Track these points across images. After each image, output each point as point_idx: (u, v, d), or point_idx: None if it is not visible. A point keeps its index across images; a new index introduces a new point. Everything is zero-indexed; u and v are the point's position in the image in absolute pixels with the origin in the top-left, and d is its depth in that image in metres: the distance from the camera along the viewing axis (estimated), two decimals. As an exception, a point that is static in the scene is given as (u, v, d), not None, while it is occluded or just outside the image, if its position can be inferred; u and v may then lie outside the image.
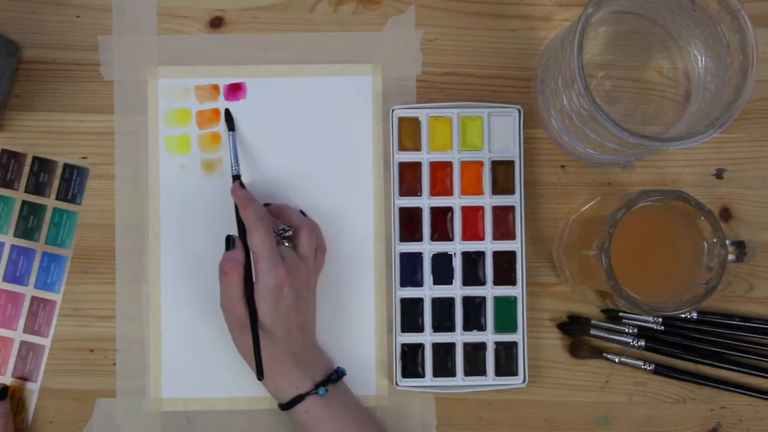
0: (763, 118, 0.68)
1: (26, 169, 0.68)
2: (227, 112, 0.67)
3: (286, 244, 0.62)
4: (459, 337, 0.66)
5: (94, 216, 0.68)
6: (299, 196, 0.67)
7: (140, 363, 0.67)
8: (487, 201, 0.67)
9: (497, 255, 0.66)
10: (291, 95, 0.68)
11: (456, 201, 0.67)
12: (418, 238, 0.66)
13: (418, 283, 0.66)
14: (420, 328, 0.66)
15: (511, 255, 0.66)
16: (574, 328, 0.67)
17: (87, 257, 0.67)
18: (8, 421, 0.65)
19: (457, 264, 0.66)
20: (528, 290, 0.67)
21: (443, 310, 0.66)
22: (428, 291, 0.66)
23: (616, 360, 0.66)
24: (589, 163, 0.67)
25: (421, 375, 0.66)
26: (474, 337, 0.66)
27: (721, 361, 0.66)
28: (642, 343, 0.66)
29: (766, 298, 0.67)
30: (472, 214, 0.67)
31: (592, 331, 0.66)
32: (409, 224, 0.67)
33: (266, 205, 0.65)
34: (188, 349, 0.67)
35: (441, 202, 0.67)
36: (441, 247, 0.66)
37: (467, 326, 0.66)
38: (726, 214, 0.67)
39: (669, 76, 0.65)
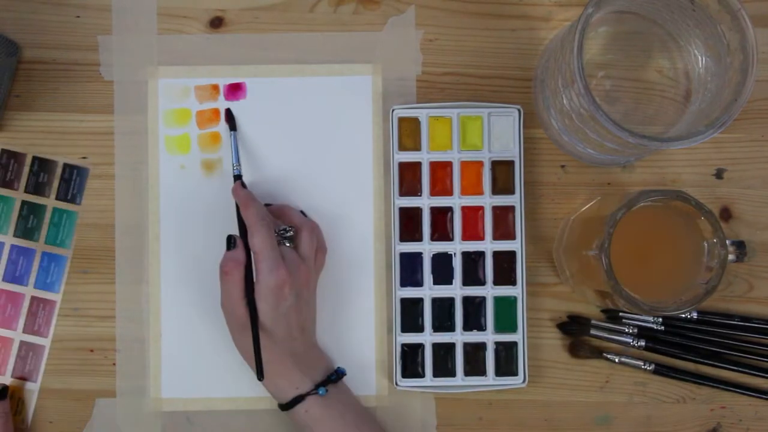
0: (763, 118, 0.68)
1: (26, 169, 0.68)
2: (228, 111, 0.67)
3: (287, 245, 0.62)
4: (459, 337, 0.66)
5: (94, 216, 0.68)
6: (299, 196, 0.67)
7: (140, 363, 0.67)
8: (487, 201, 0.67)
9: (497, 255, 0.66)
10: (291, 95, 0.68)
11: (456, 201, 0.67)
12: (418, 238, 0.66)
13: (418, 283, 0.66)
14: (420, 328, 0.66)
15: (511, 255, 0.66)
16: (574, 328, 0.67)
17: (87, 257, 0.67)
18: (8, 421, 0.65)
19: (457, 264, 0.66)
20: (528, 290, 0.67)
21: (443, 310, 0.66)
22: (428, 291, 0.66)
23: (616, 360, 0.66)
24: (589, 163, 0.67)
25: (421, 375, 0.66)
26: (474, 337, 0.66)
27: (721, 361, 0.66)
28: (642, 343, 0.66)
29: (766, 298, 0.67)
30: (472, 214, 0.67)
31: (592, 331, 0.66)
32: (409, 224, 0.67)
33: (267, 205, 0.65)
34: (188, 349, 0.67)
35: (441, 202, 0.67)
36: (441, 247, 0.66)
37: (467, 326, 0.66)
38: (726, 214, 0.67)
39: (669, 76, 0.65)
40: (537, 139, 0.68)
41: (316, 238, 0.64)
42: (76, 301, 0.67)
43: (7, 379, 0.67)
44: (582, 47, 0.55)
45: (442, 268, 0.66)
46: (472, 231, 0.66)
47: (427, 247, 0.67)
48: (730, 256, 0.57)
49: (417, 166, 0.67)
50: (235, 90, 0.68)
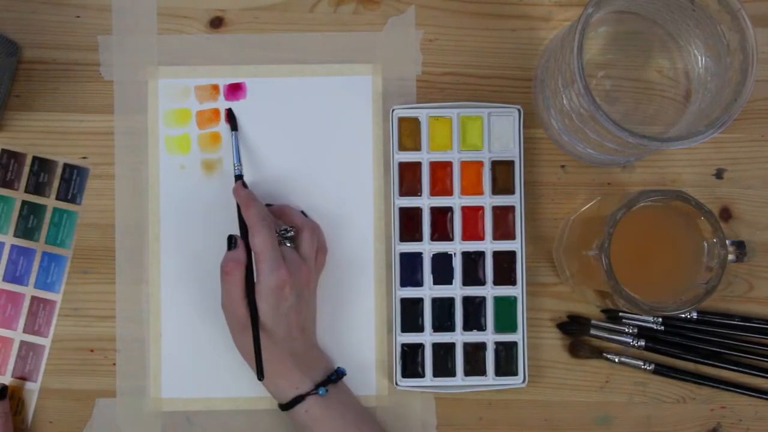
0: (763, 118, 0.68)
1: (26, 169, 0.68)
2: (230, 111, 0.67)
3: (288, 245, 0.62)
4: (459, 337, 0.66)
5: (94, 216, 0.68)
6: (299, 196, 0.67)
7: (140, 363, 0.67)
8: (487, 201, 0.67)
9: (497, 255, 0.66)
10: (291, 95, 0.68)
11: (456, 201, 0.67)
12: (418, 238, 0.66)
13: (418, 283, 0.66)
14: (420, 328, 0.66)
15: (511, 255, 0.66)
16: (574, 328, 0.67)
17: (87, 257, 0.67)
18: (8, 421, 0.65)
19: (457, 264, 0.66)
20: (528, 290, 0.67)
21: (443, 310, 0.66)
22: (428, 291, 0.66)
23: (616, 360, 0.66)
24: (589, 163, 0.67)
25: (421, 375, 0.66)
26: (474, 337, 0.66)
27: (721, 361, 0.66)
28: (642, 343, 0.66)
29: (766, 298, 0.67)
30: (472, 214, 0.67)
31: (592, 331, 0.66)
32: (409, 224, 0.67)
33: (268, 205, 0.65)
34: (188, 349, 0.67)
35: (441, 202, 0.67)
36: (441, 247, 0.66)
37: (467, 326, 0.66)
38: (726, 214, 0.67)
39: (669, 76, 0.65)
40: (537, 139, 0.68)
41: (317, 238, 0.64)
42: (76, 301, 0.67)
43: (7, 379, 0.67)
44: (582, 47, 0.55)
45: (442, 268, 0.66)
46: (472, 231, 0.66)
47: (427, 247, 0.67)
48: (730, 256, 0.57)
49: (417, 166, 0.67)
50: (235, 90, 0.68)
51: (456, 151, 0.67)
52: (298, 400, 0.61)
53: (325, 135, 0.68)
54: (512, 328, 0.66)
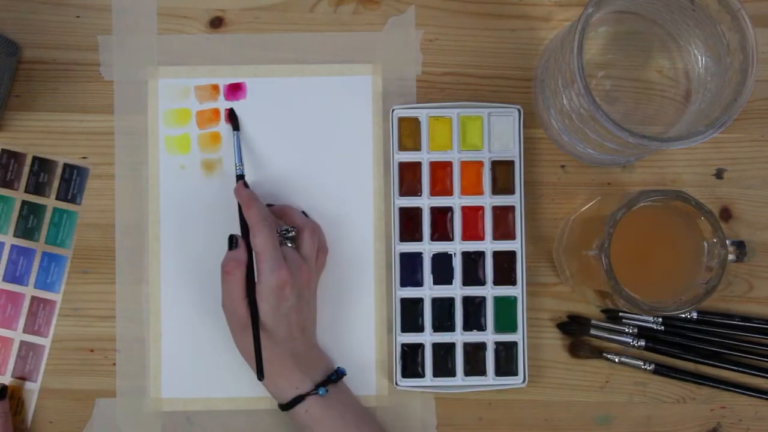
0: (763, 118, 0.68)
1: (26, 169, 0.68)
2: (232, 111, 0.67)
3: (289, 245, 0.62)
4: (459, 337, 0.66)
5: (94, 216, 0.68)
6: (299, 195, 0.67)
7: (140, 363, 0.67)
8: (487, 201, 0.67)
9: (497, 255, 0.66)
10: (291, 95, 0.68)
11: (456, 201, 0.67)
12: (418, 238, 0.66)
13: (418, 283, 0.66)
14: (420, 328, 0.66)
15: (511, 255, 0.66)
16: (574, 328, 0.67)
17: (87, 257, 0.67)
18: (7, 421, 0.65)
19: (457, 264, 0.66)
20: (528, 290, 0.67)
21: (443, 310, 0.66)
22: (428, 291, 0.66)
23: (616, 360, 0.66)
24: (589, 163, 0.67)
25: (421, 375, 0.66)
26: (474, 337, 0.66)
27: (721, 361, 0.66)
28: (642, 343, 0.66)
29: (766, 298, 0.67)
30: (472, 214, 0.67)
31: (592, 331, 0.66)
32: (409, 224, 0.67)
33: (269, 205, 0.65)
34: (188, 349, 0.67)
35: (441, 202, 0.67)
36: (441, 247, 0.66)
37: (467, 326, 0.66)
38: (726, 214, 0.67)
39: (669, 76, 0.65)
40: (537, 139, 0.68)
41: (318, 238, 0.64)
42: (76, 301, 0.67)
43: (7, 379, 0.67)
44: (582, 47, 0.55)
45: (442, 268, 0.66)
46: (472, 231, 0.66)
47: (427, 247, 0.67)
48: (730, 256, 0.57)
49: (417, 166, 0.67)
50: (235, 90, 0.68)
51: (456, 151, 0.67)
52: (298, 400, 0.61)
53: (325, 135, 0.68)
54: (512, 328, 0.66)
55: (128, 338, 0.67)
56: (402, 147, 0.67)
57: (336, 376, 0.63)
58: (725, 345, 0.66)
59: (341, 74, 0.68)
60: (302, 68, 0.68)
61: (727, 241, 0.57)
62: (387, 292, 0.67)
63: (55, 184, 0.68)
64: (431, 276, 0.66)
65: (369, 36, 0.68)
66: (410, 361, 0.66)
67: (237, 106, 0.68)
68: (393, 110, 0.66)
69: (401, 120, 0.67)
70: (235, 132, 0.66)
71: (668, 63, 0.65)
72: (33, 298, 0.67)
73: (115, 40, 0.68)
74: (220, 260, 0.62)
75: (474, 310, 0.66)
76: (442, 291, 0.66)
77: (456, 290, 0.66)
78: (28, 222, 0.67)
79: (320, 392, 0.61)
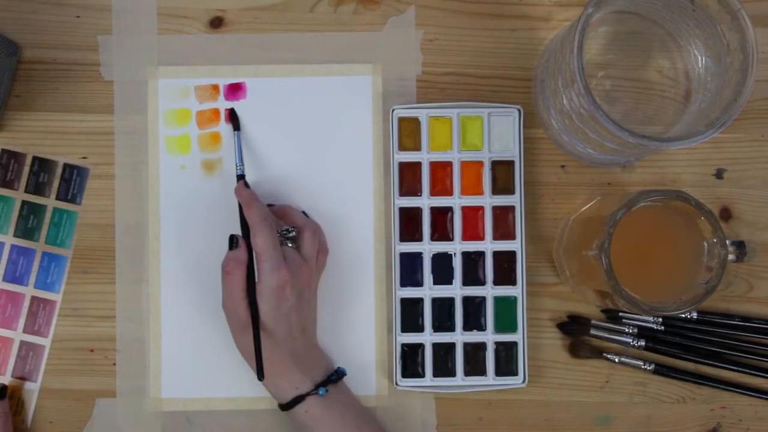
0: (763, 118, 0.68)
1: (26, 169, 0.68)
2: (233, 111, 0.67)
3: (289, 245, 0.62)
4: (459, 337, 0.66)
5: (94, 216, 0.68)
6: (299, 195, 0.67)
7: (140, 363, 0.67)
8: (487, 201, 0.67)
9: (497, 255, 0.66)
10: (291, 95, 0.68)
11: (456, 201, 0.67)
12: (418, 238, 0.66)
13: (418, 283, 0.66)
14: (420, 328, 0.66)
15: (511, 255, 0.66)
16: (574, 328, 0.67)
17: (87, 257, 0.67)
18: (7, 421, 0.65)
19: (457, 264, 0.66)
20: (528, 290, 0.67)
21: (443, 310, 0.66)
22: (428, 291, 0.66)
23: (616, 360, 0.66)
24: (589, 163, 0.67)
25: (421, 375, 0.66)
26: (474, 337, 0.66)
27: (721, 361, 0.66)
28: (642, 343, 0.66)
29: (766, 298, 0.67)
30: (472, 214, 0.67)
31: (592, 331, 0.66)
32: (409, 224, 0.67)
33: (269, 205, 0.65)
34: (188, 349, 0.67)
35: (441, 202, 0.67)
36: (441, 247, 0.66)
37: (467, 326, 0.66)
38: (726, 214, 0.67)
39: (669, 76, 0.65)
40: (537, 139, 0.68)
41: (318, 239, 0.64)
42: (76, 301, 0.67)
43: (7, 379, 0.67)
44: (582, 47, 0.55)
45: (442, 268, 0.66)
46: (472, 231, 0.66)
47: (427, 247, 0.67)
48: (730, 256, 0.57)
49: (417, 166, 0.67)
50: (235, 90, 0.68)
51: (456, 151, 0.67)
52: (298, 400, 0.61)
53: (325, 135, 0.68)
54: (512, 328, 0.66)
55: (128, 338, 0.67)
56: (402, 147, 0.67)
57: (336, 376, 0.63)
58: (725, 345, 0.66)
59: (341, 74, 0.68)
60: (302, 68, 0.68)
61: (727, 241, 0.57)
62: (387, 292, 0.67)
63: (55, 184, 0.68)
64: (431, 276, 0.66)
65: (369, 36, 0.68)
66: (410, 361, 0.66)
67: (237, 106, 0.68)
68: (393, 110, 0.66)
69: (401, 120, 0.67)
70: (235, 132, 0.66)
71: (668, 63, 0.65)
72: (33, 298, 0.67)
73: (115, 40, 0.68)
74: (219, 260, 0.62)
75: (474, 310, 0.66)
76: (442, 291, 0.66)
77: (456, 290, 0.66)
78: (28, 222, 0.67)
79: (320, 392, 0.61)
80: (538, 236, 0.68)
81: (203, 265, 0.67)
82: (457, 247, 0.66)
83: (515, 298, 0.66)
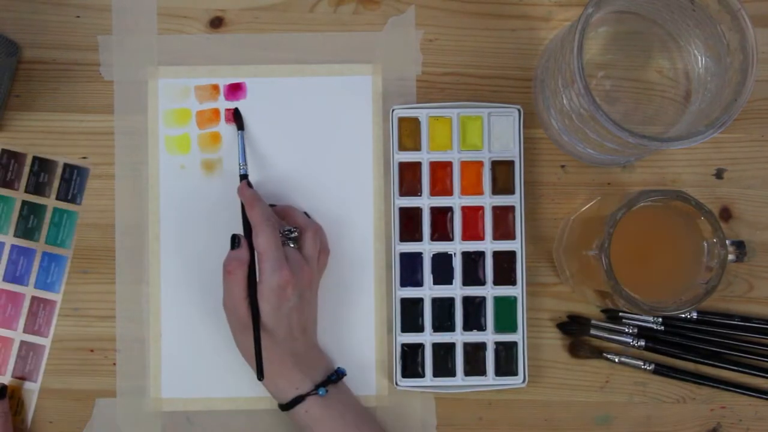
0: (763, 118, 0.68)
1: (26, 169, 0.68)
2: (237, 111, 0.67)
3: (291, 245, 0.62)
4: (459, 337, 0.66)
5: (94, 216, 0.68)
6: (299, 195, 0.67)
7: (140, 363, 0.67)
8: (487, 201, 0.67)
9: (497, 255, 0.66)
10: (291, 95, 0.68)
11: (456, 201, 0.67)
12: (418, 238, 0.66)
13: (418, 283, 0.66)
14: (420, 328, 0.66)
15: (511, 255, 0.66)
16: (574, 328, 0.67)
17: (87, 257, 0.67)
18: (7, 421, 0.65)
19: (457, 264, 0.66)
20: (528, 290, 0.67)
21: (443, 310, 0.66)
22: (428, 291, 0.66)
23: (616, 360, 0.66)
24: (589, 163, 0.67)
25: (421, 375, 0.66)
26: (474, 337, 0.66)
27: (721, 361, 0.66)
28: (642, 343, 0.66)
29: (766, 298, 0.67)
30: (472, 214, 0.67)
31: (592, 331, 0.66)
32: (409, 224, 0.67)
33: (271, 206, 0.65)
34: (188, 349, 0.67)
35: (441, 202, 0.67)
36: (441, 247, 0.66)
37: (467, 326, 0.66)
38: (726, 214, 0.67)
39: (669, 76, 0.65)
40: (537, 139, 0.68)
41: (320, 239, 0.64)
42: (77, 301, 0.67)
43: (7, 379, 0.67)
44: (582, 47, 0.55)
45: (442, 268, 0.66)
46: (472, 231, 0.66)
47: (427, 247, 0.67)
48: (730, 256, 0.57)
49: (417, 166, 0.67)
50: (235, 90, 0.68)
51: (456, 151, 0.67)
52: (298, 400, 0.61)
53: (325, 135, 0.68)
54: (512, 328, 0.66)
55: (128, 338, 0.67)
56: (402, 147, 0.67)
57: (336, 376, 0.63)
58: (725, 345, 0.66)
59: (341, 74, 0.68)
60: (302, 68, 0.68)
61: (727, 241, 0.57)
62: (387, 292, 0.67)
63: (55, 184, 0.68)
64: (431, 276, 0.66)
65: (369, 36, 0.68)
66: (410, 361, 0.66)
67: (237, 106, 0.68)
68: (393, 110, 0.66)
69: (401, 120, 0.67)
70: (239, 132, 0.66)
71: (668, 63, 0.65)
72: (33, 298, 0.67)
73: (115, 40, 0.68)
74: (219, 260, 0.62)
75: (474, 310, 0.66)
76: (442, 291, 0.66)
77: (456, 290, 0.66)
78: (28, 222, 0.67)
79: (320, 392, 0.61)
80: (538, 236, 0.68)
81: (203, 265, 0.67)
82: (457, 247, 0.66)
83: (515, 298, 0.66)
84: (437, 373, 0.66)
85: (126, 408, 0.67)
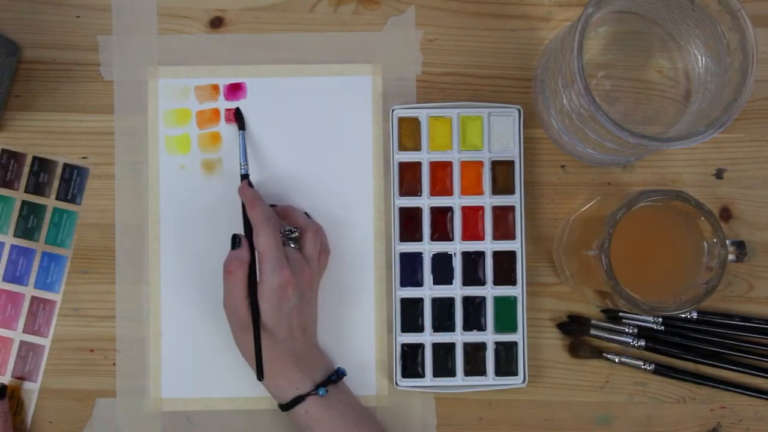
0: (763, 118, 0.68)
1: (26, 169, 0.68)
2: (238, 111, 0.67)
3: (292, 245, 0.62)
4: (459, 337, 0.66)
5: (94, 216, 0.68)
6: (299, 195, 0.67)
7: (140, 363, 0.67)
8: (487, 201, 0.67)
9: (497, 255, 0.66)
10: (291, 95, 0.68)
11: (456, 201, 0.67)
12: (418, 238, 0.66)
13: (418, 283, 0.66)
14: (420, 328, 0.66)
15: (511, 255, 0.66)
16: (574, 328, 0.67)
17: (87, 257, 0.67)
18: (7, 421, 0.65)
19: (457, 264, 0.66)
20: (528, 290, 0.67)
21: (443, 310, 0.66)
22: (428, 291, 0.66)
23: (616, 360, 0.66)
24: (589, 163, 0.67)
25: (421, 375, 0.66)
26: (474, 337, 0.66)
27: (721, 361, 0.66)
28: (642, 343, 0.66)
29: (766, 298, 0.67)
30: (472, 214, 0.67)
31: (592, 331, 0.66)
32: (409, 224, 0.67)
33: (272, 206, 0.65)
34: (188, 349, 0.67)
35: (441, 202, 0.67)
36: (441, 247, 0.66)
37: (467, 326, 0.66)
38: (726, 214, 0.67)
39: (669, 76, 0.65)
40: (537, 139, 0.68)
41: (320, 240, 0.64)
42: (76, 301, 0.67)
43: (6, 379, 0.67)
44: (582, 47, 0.55)
45: (442, 268, 0.66)
46: (472, 231, 0.66)
47: (427, 247, 0.67)
48: (730, 256, 0.57)
49: (417, 166, 0.67)
50: (235, 90, 0.68)
51: (456, 151, 0.67)
52: (298, 400, 0.61)
53: (325, 135, 0.68)
54: (512, 328, 0.66)
55: (128, 338, 0.67)
56: (402, 147, 0.67)
57: (336, 376, 0.63)
58: (725, 345, 0.66)
59: (341, 74, 0.68)
60: (302, 68, 0.68)
61: (727, 241, 0.57)
62: (387, 292, 0.67)
63: (55, 184, 0.68)
64: (431, 276, 0.66)
65: (369, 36, 0.68)
66: (410, 361, 0.66)
67: (237, 106, 0.68)
68: (393, 110, 0.66)
69: (401, 120, 0.67)
70: (240, 132, 0.66)
71: (668, 63, 0.65)
72: (33, 298, 0.67)
73: (115, 40, 0.68)
74: (219, 260, 0.62)
75: (474, 310, 0.66)
76: (442, 291, 0.66)
77: (456, 290, 0.66)
78: (28, 222, 0.67)
79: (320, 392, 0.61)
80: (538, 236, 0.68)
81: (203, 265, 0.67)
82: (457, 247, 0.66)
83: (515, 298, 0.66)
84: (437, 373, 0.66)
85: (126, 408, 0.67)
